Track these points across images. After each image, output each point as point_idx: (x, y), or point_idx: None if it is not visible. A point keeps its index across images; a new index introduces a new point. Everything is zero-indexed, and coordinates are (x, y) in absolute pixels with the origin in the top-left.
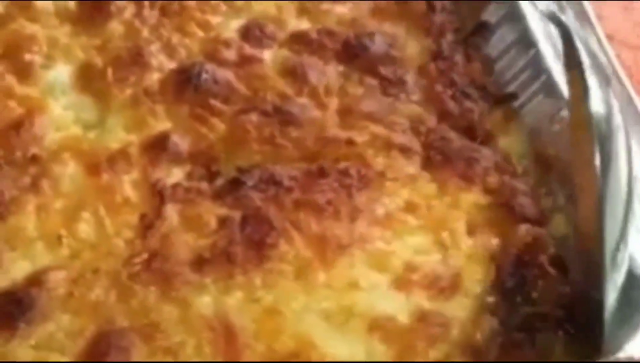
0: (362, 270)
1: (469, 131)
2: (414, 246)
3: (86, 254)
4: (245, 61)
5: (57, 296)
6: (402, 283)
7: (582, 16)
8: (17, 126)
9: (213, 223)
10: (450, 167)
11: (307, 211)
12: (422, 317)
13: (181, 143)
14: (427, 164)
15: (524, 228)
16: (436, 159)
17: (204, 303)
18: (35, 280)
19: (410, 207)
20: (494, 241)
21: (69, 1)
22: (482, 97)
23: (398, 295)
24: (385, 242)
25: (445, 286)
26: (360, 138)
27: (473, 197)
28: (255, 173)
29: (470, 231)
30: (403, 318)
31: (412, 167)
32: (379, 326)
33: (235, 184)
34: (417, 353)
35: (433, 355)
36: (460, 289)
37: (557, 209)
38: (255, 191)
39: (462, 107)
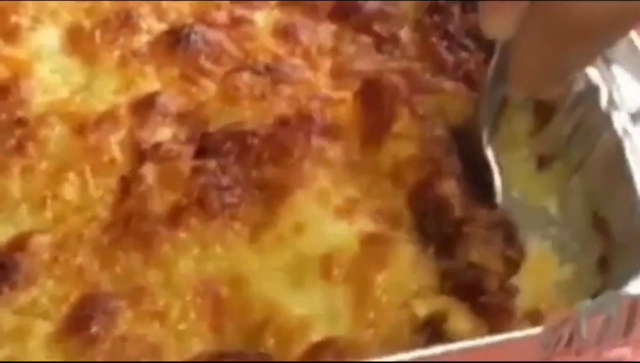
0: (305, 209)
1: (466, 83)
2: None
3: (70, 218)
4: (236, 22)
5: (41, 261)
6: (344, 210)
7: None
8: (3, 89)
9: (187, 172)
10: None
11: (267, 164)
12: (369, 240)
13: (170, 103)
14: None
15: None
16: None
17: (186, 265)
18: (19, 244)
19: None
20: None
21: None
22: (478, 48)
23: (342, 223)
24: (330, 182)
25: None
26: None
27: None
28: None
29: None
30: (352, 246)
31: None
32: (331, 262)
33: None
34: (371, 283)
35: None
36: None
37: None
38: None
39: (458, 58)
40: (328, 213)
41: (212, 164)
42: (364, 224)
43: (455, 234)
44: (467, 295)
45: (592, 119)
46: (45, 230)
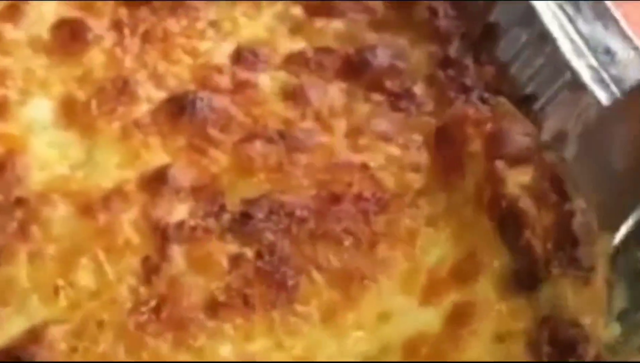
0: (390, 297)
1: None
2: (437, 255)
3: (87, 304)
4: (240, 86)
5: (59, 352)
6: (433, 294)
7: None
8: None
9: (224, 262)
10: None
11: (325, 243)
12: (453, 316)
13: (182, 176)
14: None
15: None
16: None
17: (224, 350)
18: (34, 335)
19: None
20: None
21: (43, 30)
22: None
23: (430, 308)
24: (410, 261)
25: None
26: (374, 161)
27: None
28: (263, 204)
29: None
30: (435, 326)
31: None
32: (413, 347)
33: (244, 218)
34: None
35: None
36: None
37: None
38: (266, 224)
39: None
40: (413, 300)
41: (250, 251)
42: (451, 301)
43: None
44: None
45: None
46: (60, 319)
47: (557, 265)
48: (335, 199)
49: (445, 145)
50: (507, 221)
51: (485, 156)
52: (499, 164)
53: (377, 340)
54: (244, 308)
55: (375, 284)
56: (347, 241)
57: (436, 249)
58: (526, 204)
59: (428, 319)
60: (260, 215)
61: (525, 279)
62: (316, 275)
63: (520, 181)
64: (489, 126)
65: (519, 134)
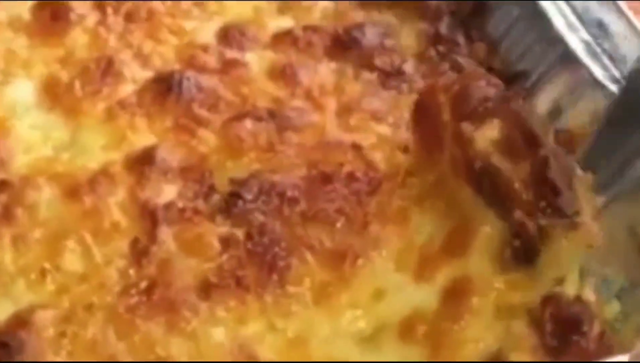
0: (384, 275)
1: None
2: (427, 232)
3: (75, 288)
4: (227, 65)
5: (47, 337)
6: (426, 270)
7: None
8: None
9: (215, 243)
10: None
11: (316, 224)
12: (449, 294)
13: (170, 157)
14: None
15: None
16: None
17: (218, 333)
18: (21, 320)
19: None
20: None
21: (23, 10)
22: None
23: (424, 285)
24: (402, 239)
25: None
26: (365, 140)
27: None
28: (252, 184)
29: None
30: (431, 304)
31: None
32: (409, 326)
33: (233, 199)
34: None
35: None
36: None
37: None
38: (255, 204)
39: None
40: (408, 278)
41: (241, 232)
42: (445, 276)
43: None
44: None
45: None
46: (48, 304)
47: (542, 216)
48: (327, 179)
49: (424, 120)
50: (485, 182)
51: (452, 119)
52: (465, 125)
53: (373, 318)
54: (237, 290)
55: (369, 262)
56: (339, 222)
57: (426, 226)
58: (498, 160)
59: (424, 296)
60: (249, 196)
61: (521, 252)
62: (308, 256)
63: (489, 136)
64: (455, 89)
65: (481, 88)
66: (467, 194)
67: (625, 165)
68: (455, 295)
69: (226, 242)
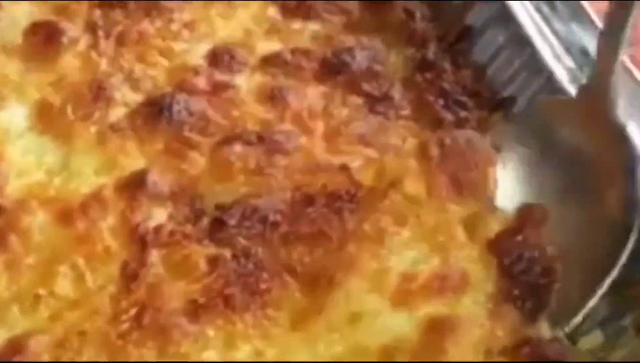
0: (360, 298)
1: None
2: (410, 257)
3: (68, 314)
4: (217, 88)
5: None
6: (402, 297)
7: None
8: None
9: (202, 264)
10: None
11: (297, 246)
12: (431, 327)
13: (160, 181)
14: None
15: None
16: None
17: (209, 357)
18: (16, 347)
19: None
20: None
21: (16, 34)
22: (477, 105)
23: (401, 312)
24: (379, 260)
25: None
26: (353, 163)
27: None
28: (236, 210)
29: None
30: (412, 334)
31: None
32: (389, 353)
33: (217, 224)
34: None
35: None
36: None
37: None
38: (238, 230)
39: (458, 117)
40: (385, 302)
41: (228, 252)
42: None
43: None
44: None
45: None
46: (42, 330)
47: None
48: (309, 200)
49: None
50: None
51: None
52: None
53: (351, 343)
54: (225, 309)
55: (342, 284)
56: (318, 243)
57: (409, 252)
58: None
59: (403, 324)
60: (232, 222)
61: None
62: (289, 279)
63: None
64: None
65: None
66: (454, 216)
67: None
68: (438, 329)
69: (213, 262)
